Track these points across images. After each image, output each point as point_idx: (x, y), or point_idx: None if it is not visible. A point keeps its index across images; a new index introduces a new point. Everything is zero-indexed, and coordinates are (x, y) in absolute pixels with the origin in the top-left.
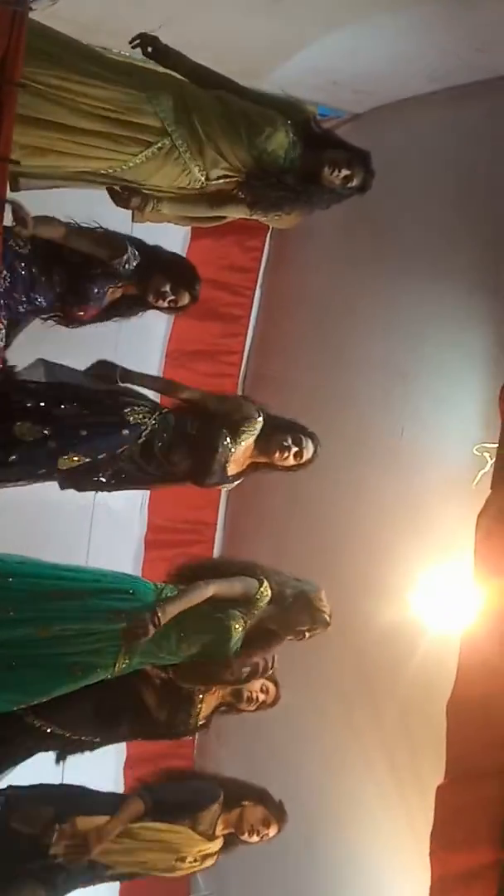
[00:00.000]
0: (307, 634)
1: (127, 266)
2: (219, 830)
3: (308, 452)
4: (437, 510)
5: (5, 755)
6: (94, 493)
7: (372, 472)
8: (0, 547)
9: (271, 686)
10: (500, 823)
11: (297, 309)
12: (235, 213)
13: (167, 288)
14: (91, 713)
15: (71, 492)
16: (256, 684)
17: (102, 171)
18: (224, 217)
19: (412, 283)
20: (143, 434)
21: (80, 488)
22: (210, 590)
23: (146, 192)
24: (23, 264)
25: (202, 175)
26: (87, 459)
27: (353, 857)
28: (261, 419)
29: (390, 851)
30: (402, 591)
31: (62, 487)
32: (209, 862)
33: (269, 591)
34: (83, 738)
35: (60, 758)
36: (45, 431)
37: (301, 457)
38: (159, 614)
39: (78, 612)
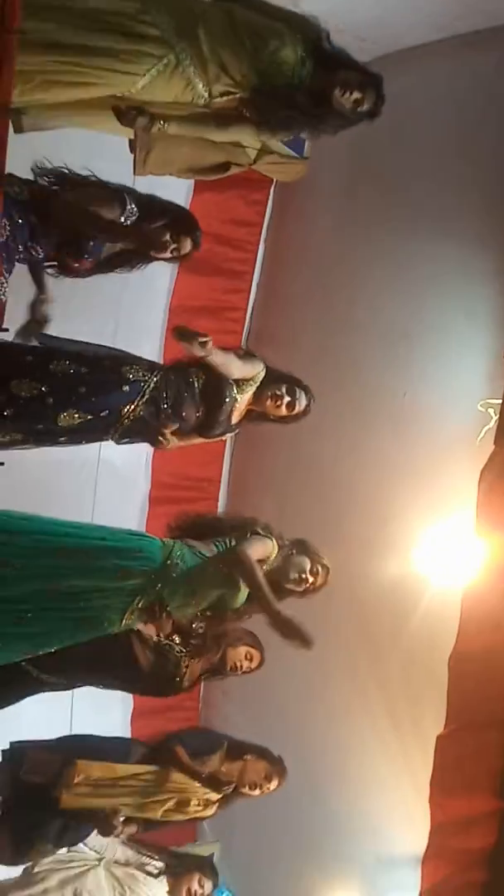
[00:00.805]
0: (308, 579)
1: (126, 223)
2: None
3: (300, 404)
4: (441, 466)
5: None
6: (98, 450)
7: (376, 428)
8: (6, 504)
9: (255, 653)
10: (497, 772)
11: (301, 265)
12: (242, 135)
13: (167, 237)
14: (86, 666)
15: (76, 449)
16: (241, 652)
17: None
18: (228, 169)
19: (417, 240)
20: (147, 392)
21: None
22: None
23: (152, 112)
24: (21, 213)
25: (205, 91)
26: (89, 416)
27: (355, 806)
28: (263, 369)
29: (392, 799)
30: (404, 547)
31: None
32: (211, 810)
33: (277, 548)
34: (74, 685)
35: None
36: (43, 388)
37: (293, 408)
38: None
39: (86, 571)
